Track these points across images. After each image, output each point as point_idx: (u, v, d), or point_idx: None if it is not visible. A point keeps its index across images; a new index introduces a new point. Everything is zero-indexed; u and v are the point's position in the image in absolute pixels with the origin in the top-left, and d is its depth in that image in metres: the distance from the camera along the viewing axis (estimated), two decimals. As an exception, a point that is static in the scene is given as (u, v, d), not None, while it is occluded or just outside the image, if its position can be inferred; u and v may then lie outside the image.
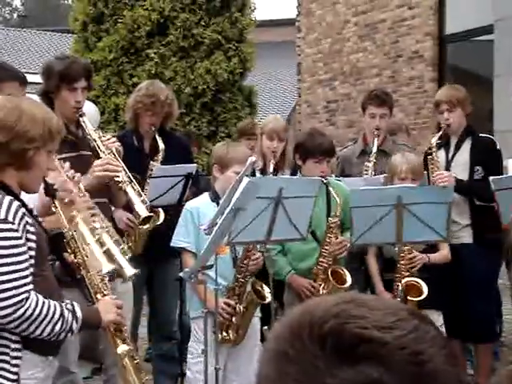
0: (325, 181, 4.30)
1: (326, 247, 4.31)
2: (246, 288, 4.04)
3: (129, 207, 4.31)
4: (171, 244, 4.08)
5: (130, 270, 3.35)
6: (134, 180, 4.11)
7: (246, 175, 3.64)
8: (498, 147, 4.98)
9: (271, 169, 4.81)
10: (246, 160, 3.81)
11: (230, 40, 9.96)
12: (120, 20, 9.79)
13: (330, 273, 4.28)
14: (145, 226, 4.39)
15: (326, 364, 0.75)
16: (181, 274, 3.80)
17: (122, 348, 3.03)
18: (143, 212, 4.17)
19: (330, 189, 4.31)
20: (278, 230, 3.91)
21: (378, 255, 4.54)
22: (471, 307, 4.75)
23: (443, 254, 4.45)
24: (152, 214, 4.28)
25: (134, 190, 4.12)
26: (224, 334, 4.01)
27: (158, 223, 4.54)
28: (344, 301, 0.81)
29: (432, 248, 4.43)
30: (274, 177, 4.72)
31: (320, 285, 4.31)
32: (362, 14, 11.31)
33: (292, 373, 0.76)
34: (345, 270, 4.32)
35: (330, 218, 4.34)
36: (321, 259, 4.33)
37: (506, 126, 7.99)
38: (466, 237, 4.83)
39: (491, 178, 4.41)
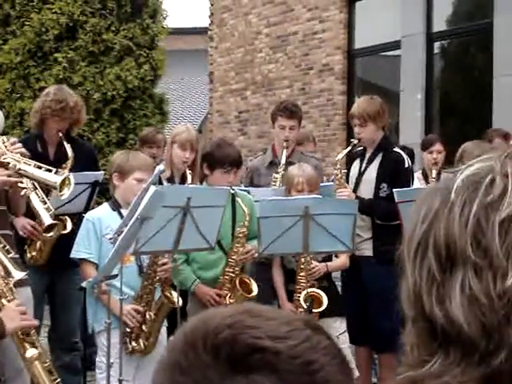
0: (232, 191, 4.31)
1: (233, 257, 4.33)
2: (154, 295, 4.00)
3: (31, 215, 4.19)
4: (71, 255, 3.99)
5: (17, 274, 3.23)
6: (38, 187, 3.99)
7: (153, 184, 3.60)
8: (406, 165, 4.95)
9: (189, 179, 4.77)
10: (147, 167, 3.78)
11: (141, 46, 9.86)
12: (27, 23, 9.54)
13: (237, 282, 4.29)
14: (48, 234, 4.27)
15: (218, 374, 0.75)
16: (83, 284, 3.71)
17: (31, 352, 2.95)
18: (47, 220, 4.06)
19: (238, 199, 4.33)
20: (186, 240, 3.89)
21: (283, 266, 4.58)
22: (372, 319, 4.84)
23: (341, 261, 4.54)
24: (56, 222, 4.17)
25: (38, 196, 4.01)
26: (134, 343, 3.95)
27: (66, 232, 4.43)
28: (239, 311, 0.82)
29: (330, 256, 4.50)
30: (182, 186, 4.69)
31: (226, 294, 4.31)
32: (273, 25, 11.44)
33: (185, 383, 0.76)
34: (251, 280, 4.35)
35: (237, 228, 4.36)
36: (227, 269, 4.34)
37: (412, 139, 8.24)
38: (366, 250, 4.90)
39: (395, 190, 4.49)
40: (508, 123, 7.30)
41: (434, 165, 6.04)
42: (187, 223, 3.82)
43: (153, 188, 3.43)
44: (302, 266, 4.29)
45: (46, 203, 4.07)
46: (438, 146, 6.18)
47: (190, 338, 0.79)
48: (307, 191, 4.39)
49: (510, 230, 0.72)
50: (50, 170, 3.89)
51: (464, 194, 0.75)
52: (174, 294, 3.99)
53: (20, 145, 3.91)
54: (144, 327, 3.95)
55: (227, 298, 4.31)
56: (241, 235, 4.33)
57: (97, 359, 4.06)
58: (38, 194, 4.01)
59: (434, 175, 6.01)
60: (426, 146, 6.27)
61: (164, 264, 3.97)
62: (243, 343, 0.76)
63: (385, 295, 4.91)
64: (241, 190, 4.70)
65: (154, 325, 3.99)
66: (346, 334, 4.50)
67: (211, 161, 4.45)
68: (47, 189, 4.34)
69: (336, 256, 4.55)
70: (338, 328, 4.44)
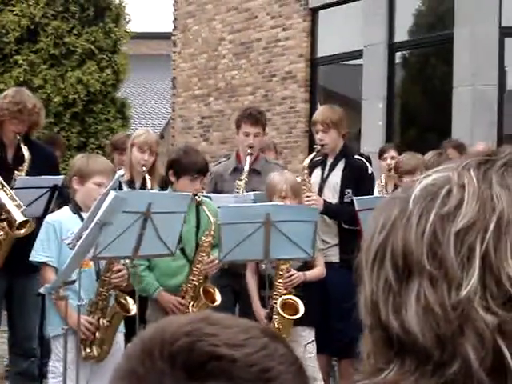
0: (198, 199, 4.28)
1: (198, 265, 4.30)
2: (109, 301, 3.96)
3: None
4: (30, 258, 3.94)
5: None
6: (5, 184, 3.95)
7: (113, 189, 3.57)
8: (369, 171, 5.10)
9: (149, 184, 4.73)
10: (107, 171, 3.75)
11: (103, 50, 9.81)
12: (-13, 24, 9.41)
13: (201, 291, 4.27)
14: (21, 231, 4.22)
15: (175, 382, 0.74)
16: (41, 290, 3.66)
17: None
18: (19, 217, 4.03)
19: (204, 207, 4.29)
20: (146, 246, 3.86)
21: (256, 272, 4.57)
22: (333, 324, 4.86)
23: (319, 271, 4.53)
24: (28, 218, 4.13)
25: (7, 194, 3.97)
26: (87, 350, 3.91)
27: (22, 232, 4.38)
28: (197, 319, 0.81)
29: (306, 265, 4.50)
30: (143, 191, 4.65)
31: (189, 303, 4.29)
32: (237, 32, 11.45)
33: None
34: (215, 289, 4.34)
35: (203, 237, 4.33)
36: (191, 277, 4.31)
37: (373, 147, 8.31)
38: (333, 256, 4.94)
39: (355, 198, 4.54)
40: (466, 133, 7.43)
41: (388, 171, 6.11)
42: (147, 229, 3.80)
43: (113, 193, 3.40)
44: (281, 273, 4.28)
45: (15, 200, 4.03)
46: (391, 153, 6.27)
47: (146, 346, 0.78)
48: (291, 198, 4.38)
49: (465, 242, 0.72)
50: (19, 207, 3.92)
51: (421, 204, 0.76)
52: (130, 301, 3.95)
53: None
54: (98, 334, 3.91)
55: (190, 306, 4.29)
56: (206, 244, 4.31)
57: (50, 364, 4.00)
58: (6, 192, 3.97)
59: (383, 181, 6.11)
60: (380, 153, 6.40)
61: (119, 270, 3.93)
62: (200, 351, 0.75)
63: (347, 301, 4.94)
64: (203, 196, 4.68)
65: (108, 332, 3.95)
66: (315, 344, 4.50)
67: (177, 168, 4.40)
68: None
69: (310, 266, 4.51)
70: (306, 337, 4.45)
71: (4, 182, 3.90)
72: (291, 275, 4.31)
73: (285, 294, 4.27)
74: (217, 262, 4.29)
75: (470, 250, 0.72)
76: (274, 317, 4.22)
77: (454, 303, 0.71)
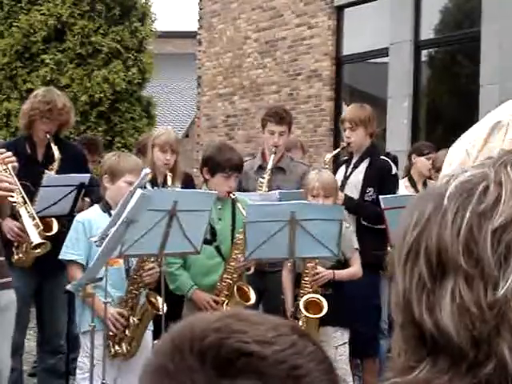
0: (233, 196, 4.27)
1: (232, 263, 4.28)
2: (139, 300, 3.98)
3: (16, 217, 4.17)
4: (60, 256, 3.97)
5: None
6: (28, 201, 3.98)
7: (140, 187, 3.59)
8: (393, 172, 5.08)
9: (169, 182, 4.75)
10: (137, 170, 3.76)
11: (129, 49, 9.86)
12: (15, 23, 9.51)
13: (235, 289, 4.26)
14: (36, 251, 4.21)
15: (204, 378, 0.75)
16: (68, 287, 3.70)
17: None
18: (35, 238, 4.01)
19: (238, 204, 4.27)
20: (172, 243, 3.88)
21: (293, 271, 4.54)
22: (354, 323, 4.84)
23: (350, 271, 4.44)
24: (44, 241, 4.12)
25: (28, 212, 3.98)
26: (116, 347, 3.93)
27: (51, 233, 4.41)
28: (226, 316, 0.82)
29: (342, 264, 4.44)
30: (169, 189, 4.67)
31: (224, 301, 4.28)
32: (262, 30, 11.45)
33: None
34: (249, 287, 4.31)
35: (237, 235, 4.31)
36: (225, 275, 4.29)
37: (398, 146, 8.27)
38: None
39: (381, 196, 4.52)
40: (494, 132, 7.34)
41: (430, 171, 6.04)
42: (173, 227, 3.81)
43: (139, 191, 3.42)
44: (307, 271, 4.26)
45: (34, 219, 4.04)
46: (434, 154, 6.18)
47: (176, 342, 0.79)
48: (323, 197, 4.37)
49: (502, 240, 0.71)
50: (38, 226, 3.92)
51: (457, 201, 0.74)
52: (160, 300, 3.96)
53: (10, 154, 3.82)
54: (127, 332, 3.93)
55: (224, 304, 4.26)
56: (240, 242, 4.27)
57: (78, 359, 4.04)
58: (27, 209, 3.99)
59: (421, 182, 6.04)
60: (424, 151, 6.22)
61: (150, 269, 3.95)
62: (230, 347, 0.76)
63: (366, 300, 4.94)
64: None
65: (138, 330, 3.97)
66: (347, 346, 4.44)
67: (212, 165, 4.38)
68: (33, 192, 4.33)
69: (347, 265, 4.46)
70: (338, 339, 4.38)
71: (27, 199, 3.92)
72: (317, 273, 4.28)
73: (311, 293, 4.24)
74: (243, 260, 4.27)
75: (507, 249, 0.71)
76: (299, 315, 4.19)
77: (491, 303, 0.70)
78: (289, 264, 4.40)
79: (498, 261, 0.71)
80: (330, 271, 4.34)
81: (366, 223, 4.91)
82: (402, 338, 0.78)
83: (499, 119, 2.21)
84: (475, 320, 0.71)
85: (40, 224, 4.08)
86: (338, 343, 4.34)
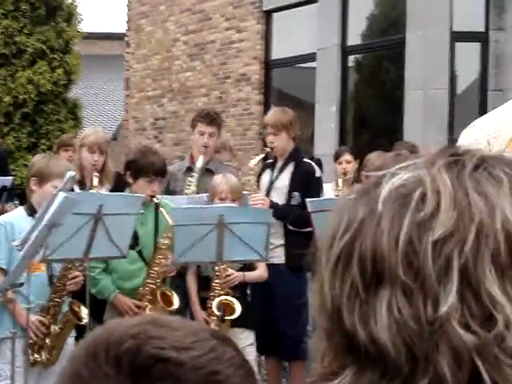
0: (156, 200, 4.24)
1: (155, 268, 4.27)
2: (61, 308, 3.89)
3: None
4: None
5: None
6: None
7: (62, 190, 3.51)
8: (317, 175, 5.15)
9: (95, 182, 4.67)
10: (65, 174, 3.67)
11: (54, 50, 9.67)
12: None
13: (158, 294, 4.22)
14: None
15: None
16: (-13, 293, 3.59)
17: None
18: None
19: (162, 209, 4.25)
20: (97, 248, 3.81)
21: (198, 274, 4.55)
22: (280, 326, 4.86)
23: (259, 273, 4.52)
24: None
25: None
26: (36, 355, 3.83)
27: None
28: (144, 321, 0.80)
29: (249, 267, 4.49)
30: (94, 192, 4.58)
31: (146, 306, 4.26)
32: (191, 33, 11.41)
33: None
34: (173, 292, 4.30)
35: (161, 240, 4.29)
36: (148, 280, 4.28)
37: (326, 150, 8.36)
38: (278, 257, 4.94)
39: (308, 200, 4.55)
40: (418, 136, 7.52)
41: (343, 175, 6.13)
42: (99, 231, 3.75)
43: (62, 194, 3.34)
44: (218, 273, 4.27)
45: None
46: (346, 156, 6.28)
47: (91, 349, 0.77)
48: (230, 200, 4.38)
49: (442, 253, 0.67)
50: None
51: (393, 207, 0.70)
52: (83, 310, 3.88)
53: None
54: (47, 340, 3.84)
55: (147, 309, 4.25)
56: (164, 247, 4.27)
57: None
58: None
59: (340, 185, 6.12)
60: (335, 157, 6.38)
61: (75, 277, 3.87)
62: (146, 354, 0.74)
63: (293, 302, 4.97)
64: (162, 198, 4.63)
65: (59, 339, 3.89)
66: (253, 347, 4.49)
67: (135, 169, 4.35)
68: None
69: (253, 267, 4.51)
70: (244, 340, 4.42)
71: None
72: (228, 275, 4.29)
73: (222, 295, 4.25)
74: (170, 264, 4.25)
75: (447, 262, 0.67)
76: (212, 318, 4.20)
77: (431, 319, 0.67)
78: (194, 267, 4.43)
79: (438, 275, 0.67)
80: (241, 273, 4.37)
81: (292, 228, 4.94)
82: (327, 344, 0.75)
83: None
84: (414, 335, 0.67)
85: None
86: (245, 344, 4.38)
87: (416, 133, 7.84)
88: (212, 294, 4.26)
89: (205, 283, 4.42)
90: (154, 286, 4.27)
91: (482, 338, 0.66)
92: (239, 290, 4.38)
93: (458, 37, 8.22)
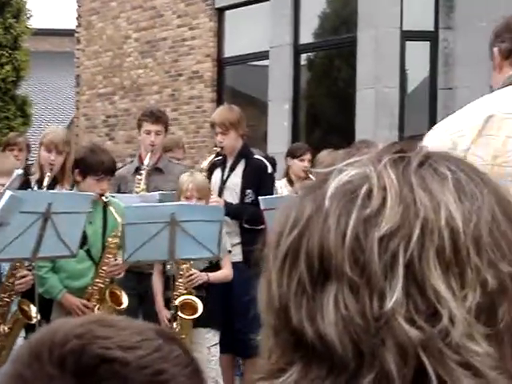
0: (105, 199, 4.20)
1: (104, 267, 4.24)
2: (10, 308, 3.83)
3: None
4: None
5: None
6: None
7: (9, 188, 3.45)
8: (269, 171, 5.15)
9: (45, 182, 4.62)
10: (8, 172, 3.61)
11: (2, 46, 9.50)
12: None
13: (107, 293, 4.19)
14: None
15: None
16: None
17: None
18: None
19: (111, 208, 4.22)
20: (46, 247, 3.76)
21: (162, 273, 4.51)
22: (236, 323, 4.87)
23: (224, 273, 4.50)
24: None
25: None
26: (-15, 356, 3.76)
27: None
28: (90, 321, 0.80)
29: (215, 266, 4.47)
30: (42, 191, 4.52)
31: (95, 305, 4.22)
32: (143, 30, 11.33)
33: None
34: (122, 292, 4.28)
35: (109, 239, 4.26)
36: (97, 279, 4.25)
37: (279, 148, 8.39)
38: (235, 255, 4.94)
39: (260, 197, 4.56)
40: (369, 134, 7.60)
41: (305, 173, 6.15)
42: (48, 229, 3.69)
43: (8, 192, 3.28)
44: (181, 273, 4.25)
45: None
46: (309, 155, 6.30)
47: (35, 349, 0.76)
48: (196, 198, 4.36)
49: (388, 248, 0.68)
50: None
51: (339, 203, 0.70)
52: (33, 309, 3.82)
53: None
54: (-4, 341, 3.78)
55: (96, 309, 4.22)
56: (112, 245, 4.24)
57: None
58: None
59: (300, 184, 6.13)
60: (297, 153, 6.35)
61: (23, 277, 3.81)
62: (92, 354, 0.74)
63: (250, 300, 4.96)
64: (110, 196, 4.60)
65: (8, 339, 3.83)
66: (218, 347, 4.48)
67: (84, 167, 4.30)
68: None
69: (219, 267, 4.49)
70: (210, 339, 4.42)
71: None
72: (191, 275, 4.28)
73: (185, 295, 4.24)
74: (121, 263, 4.22)
75: (393, 258, 0.67)
76: (175, 317, 4.20)
77: (377, 314, 0.67)
78: (160, 267, 4.40)
79: (384, 270, 0.67)
80: (204, 274, 4.36)
81: (248, 226, 4.94)
82: (274, 341, 0.75)
83: (491, 113, 2.19)
84: (360, 331, 0.67)
85: None
86: (210, 344, 4.38)
87: (368, 130, 7.92)
88: (175, 293, 4.24)
89: (167, 283, 4.39)
90: (102, 285, 4.24)
91: (426, 332, 0.66)
92: (204, 289, 4.36)
93: (408, 35, 8.33)
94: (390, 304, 0.66)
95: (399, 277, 0.67)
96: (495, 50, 2.43)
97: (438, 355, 0.66)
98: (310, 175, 5.88)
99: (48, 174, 4.66)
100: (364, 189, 0.70)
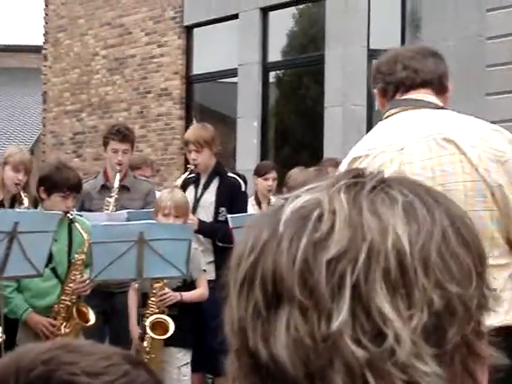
0: (70, 216, 4.16)
1: (70, 285, 4.20)
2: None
3: None
4: None
5: None
6: None
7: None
8: (243, 189, 5.17)
9: (26, 202, 4.60)
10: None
11: (-32, 62, 9.39)
12: None
13: (75, 311, 4.16)
14: None
15: None
16: None
17: None
18: None
19: (77, 225, 4.19)
20: (12, 267, 3.72)
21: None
22: (207, 341, 4.85)
23: (199, 292, 4.47)
24: None
25: None
26: None
27: None
28: (56, 347, 0.78)
29: (188, 285, 4.44)
30: (8, 210, 4.47)
31: (61, 323, 4.18)
32: (111, 47, 11.31)
33: None
34: (89, 309, 4.25)
35: (75, 255, 4.23)
36: (63, 297, 4.21)
37: (248, 165, 8.40)
38: (209, 273, 4.93)
39: (229, 216, 4.55)
40: (338, 151, 7.65)
41: (269, 192, 6.16)
42: (14, 249, 3.64)
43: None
44: (154, 292, 4.23)
45: None
46: (273, 174, 6.31)
47: (1, 375, 0.74)
48: (174, 216, 4.33)
49: (336, 271, 0.69)
50: None
51: (292, 228, 0.72)
52: None
53: None
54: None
55: (63, 327, 4.18)
56: (79, 262, 4.21)
57: None
58: None
59: (266, 202, 6.15)
60: (261, 172, 6.35)
61: None
62: (58, 380, 0.73)
63: (218, 316, 4.93)
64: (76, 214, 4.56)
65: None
66: (189, 366, 4.46)
67: (49, 184, 4.26)
68: None
69: (193, 286, 4.47)
70: (181, 359, 4.40)
71: None
72: (164, 294, 4.26)
73: (157, 313, 4.21)
74: (88, 281, 4.18)
75: (340, 280, 0.69)
76: (146, 336, 4.17)
77: (325, 335, 0.68)
78: (136, 285, 4.36)
79: (331, 292, 0.68)
80: (177, 293, 4.33)
81: (221, 244, 4.93)
82: (238, 364, 0.76)
83: (355, 155, 2.37)
84: (310, 352, 0.68)
85: None
86: (181, 363, 4.36)
87: (336, 148, 7.97)
88: (147, 311, 4.22)
89: (143, 300, 4.36)
90: (69, 303, 4.20)
91: (372, 352, 0.67)
92: (177, 308, 4.33)
93: (374, 54, 8.43)
94: (336, 324, 0.68)
95: (346, 298, 0.68)
96: (375, 91, 2.73)
97: (385, 375, 0.67)
98: (271, 196, 5.92)
99: (24, 194, 4.62)
100: (315, 213, 0.71)
